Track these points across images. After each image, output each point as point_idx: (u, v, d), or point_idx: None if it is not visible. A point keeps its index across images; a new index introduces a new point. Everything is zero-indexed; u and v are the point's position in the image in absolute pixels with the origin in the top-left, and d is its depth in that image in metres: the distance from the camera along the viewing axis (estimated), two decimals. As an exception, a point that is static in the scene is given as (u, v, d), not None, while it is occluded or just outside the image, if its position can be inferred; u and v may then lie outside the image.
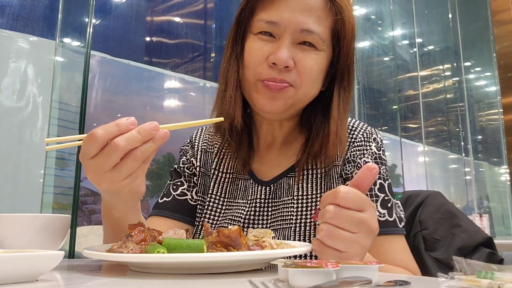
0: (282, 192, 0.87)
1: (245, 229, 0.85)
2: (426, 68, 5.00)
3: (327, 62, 0.83)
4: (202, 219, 0.91)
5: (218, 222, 0.89)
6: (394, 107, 4.30)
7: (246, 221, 0.86)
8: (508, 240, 3.59)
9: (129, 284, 0.52)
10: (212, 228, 0.85)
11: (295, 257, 0.79)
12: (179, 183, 0.95)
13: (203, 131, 1.01)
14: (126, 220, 0.72)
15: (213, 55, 3.29)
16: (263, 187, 0.88)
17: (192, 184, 0.95)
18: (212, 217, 0.90)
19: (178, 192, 0.94)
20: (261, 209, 0.86)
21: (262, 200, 0.87)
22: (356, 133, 0.89)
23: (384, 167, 0.85)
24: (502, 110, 4.70)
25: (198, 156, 0.96)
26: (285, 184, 0.87)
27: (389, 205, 0.81)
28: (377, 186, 0.82)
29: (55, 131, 2.06)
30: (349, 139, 0.88)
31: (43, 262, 0.50)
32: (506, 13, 4.52)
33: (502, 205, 5.21)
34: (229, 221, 0.87)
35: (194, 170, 0.96)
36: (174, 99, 2.76)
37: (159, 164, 2.58)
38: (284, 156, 0.91)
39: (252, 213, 0.86)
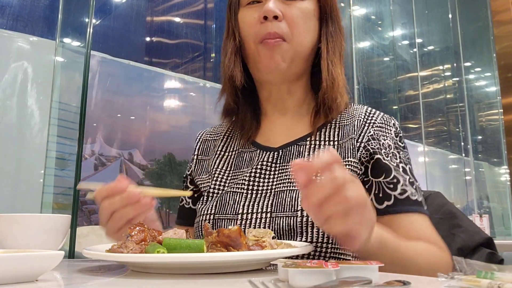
0: (291, 157, 0.87)
1: (249, 195, 0.85)
2: (426, 68, 4.99)
3: (314, 10, 0.88)
4: (204, 192, 0.91)
5: (222, 190, 0.89)
6: (394, 107, 4.29)
7: (251, 183, 0.86)
8: (508, 240, 3.60)
9: (129, 284, 0.52)
10: (213, 195, 0.88)
11: (295, 257, 0.79)
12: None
13: (208, 129, 1.06)
14: None
15: (213, 55, 3.28)
16: (271, 152, 0.89)
17: (188, 187, 0.99)
18: (214, 184, 0.91)
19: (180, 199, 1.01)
20: (266, 171, 0.87)
21: (269, 164, 0.87)
22: (376, 115, 0.91)
23: (403, 152, 0.87)
24: (502, 110, 4.69)
25: (197, 147, 1.01)
26: (295, 151, 0.88)
27: (414, 186, 0.83)
28: (401, 169, 0.83)
29: (55, 131, 2.06)
30: (368, 119, 0.89)
31: (43, 262, 0.50)
32: (506, 13, 4.52)
33: (502, 205, 5.20)
34: (233, 189, 0.88)
35: (190, 170, 0.99)
36: (174, 99, 2.76)
37: (159, 164, 2.58)
38: (297, 126, 0.92)
39: (258, 175, 0.87)
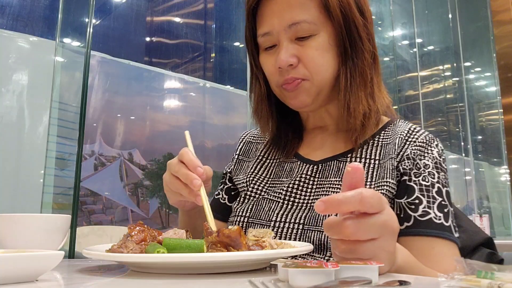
0: (330, 173, 0.87)
1: (284, 205, 0.86)
2: (426, 68, 4.99)
3: (330, 39, 0.84)
4: (242, 193, 0.93)
5: (259, 195, 0.90)
6: (394, 107, 4.29)
7: (288, 194, 0.87)
8: (508, 240, 3.59)
9: (129, 284, 0.52)
10: (250, 198, 0.90)
11: (295, 257, 0.79)
12: (220, 184, 1.04)
13: (253, 130, 1.08)
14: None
15: (213, 55, 3.29)
16: (311, 165, 0.89)
17: (224, 182, 1.03)
18: (251, 187, 0.92)
19: (216, 191, 1.04)
20: (304, 184, 0.87)
21: (308, 176, 0.87)
22: (418, 134, 0.87)
23: (443, 174, 0.83)
24: (502, 110, 4.70)
25: (240, 147, 1.04)
26: (334, 166, 0.87)
27: (445, 210, 0.78)
28: (435, 189, 0.80)
29: (55, 131, 2.06)
30: (409, 137, 0.86)
31: (43, 262, 0.50)
32: (506, 13, 4.52)
33: (502, 205, 5.21)
34: (270, 196, 0.88)
35: (230, 168, 1.02)
36: (174, 99, 2.76)
37: (159, 164, 2.58)
38: (336, 142, 0.92)
39: (296, 186, 0.87)
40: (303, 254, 0.76)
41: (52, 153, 2.03)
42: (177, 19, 3.14)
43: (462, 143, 5.09)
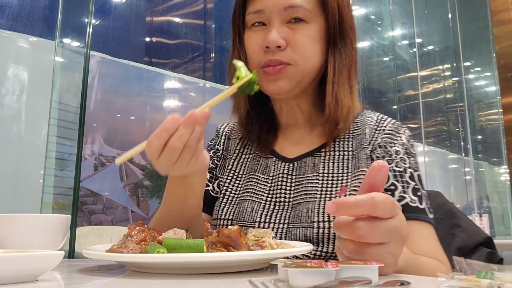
0: (306, 169, 0.88)
1: (267, 205, 0.86)
2: (426, 68, 4.99)
3: (321, 32, 0.86)
4: (222, 193, 0.93)
5: (238, 195, 0.91)
6: (394, 107, 4.29)
7: (269, 194, 0.88)
8: (508, 240, 3.60)
9: (129, 284, 0.52)
10: (232, 200, 0.90)
11: (295, 257, 0.79)
12: (209, 176, 0.99)
13: (228, 124, 1.06)
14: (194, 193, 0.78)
15: (213, 55, 3.28)
16: (287, 163, 0.90)
17: (214, 176, 0.98)
18: (231, 188, 0.92)
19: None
20: (285, 183, 0.88)
21: (285, 175, 0.88)
22: (386, 122, 0.90)
23: (413, 158, 0.87)
24: (502, 110, 4.69)
25: (222, 141, 1.02)
26: (310, 162, 0.89)
27: (419, 193, 0.82)
28: (408, 174, 0.83)
29: (55, 131, 2.06)
30: (378, 126, 0.89)
31: (43, 262, 0.50)
32: (505, 13, 4.52)
33: (502, 205, 5.20)
34: (252, 194, 0.89)
35: (215, 161, 0.99)
36: (174, 99, 2.76)
37: (159, 164, 2.58)
38: (309, 137, 0.93)
39: (278, 187, 0.88)
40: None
41: (52, 154, 2.03)
42: (177, 19, 3.14)
43: (462, 143, 5.09)
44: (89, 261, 0.78)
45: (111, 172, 2.44)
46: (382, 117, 0.92)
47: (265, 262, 0.63)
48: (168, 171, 0.68)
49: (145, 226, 0.65)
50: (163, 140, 0.64)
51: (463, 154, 5.07)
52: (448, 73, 5.37)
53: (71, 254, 1.82)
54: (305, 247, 0.62)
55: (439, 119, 5.10)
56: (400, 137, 0.88)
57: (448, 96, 5.31)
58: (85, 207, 2.30)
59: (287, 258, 0.78)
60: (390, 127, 0.89)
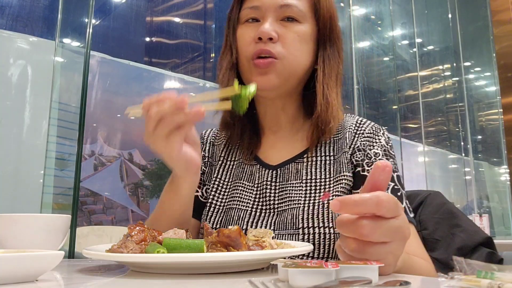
0: (290, 176, 0.89)
1: (253, 212, 0.87)
2: (426, 68, 5.00)
3: (311, 34, 0.89)
4: (208, 202, 0.93)
5: (225, 203, 0.91)
6: (394, 107, 4.30)
7: (255, 201, 0.88)
8: (508, 240, 3.60)
9: (129, 284, 0.52)
10: (219, 208, 0.90)
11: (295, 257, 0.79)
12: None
13: (212, 130, 1.06)
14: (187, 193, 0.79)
15: (213, 55, 3.29)
16: (270, 170, 0.91)
17: (202, 182, 0.98)
18: (217, 197, 0.92)
19: None
20: (269, 191, 0.89)
21: (269, 182, 0.89)
22: (365, 126, 0.91)
23: (392, 160, 0.88)
24: (502, 110, 4.69)
25: (207, 148, 1.02)
26: (293, 168, 0.90)
27: (398, 193, 0.82)
28: None
29: (55, 131, 2.06)
30: (358, 130, 0.91)
31: (43, 262, 0.50)
32: (505, 13, 4.52)
33: (502, 205, 5.21)
34: (238, 203, 0.90)
35: (203, 167, 0.99)
36: (174, 99, 2.76)
37: (159, 164, 2.58)
38: (292, 143, 0.93)
39: (263, 195, 0.88)
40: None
41: (52, 153, 2.03)
42: (177, 19, 3.14)
43: (462, 143, 5.09)
44: (89, 261, 0.78)
45: (111, 172, 2.44)
46: (361, 121, 0.93)
47: (265, 262, 0.63)
48: (148, 142, 0.72)
49: (145, 226, 0.65)
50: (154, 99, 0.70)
51: (463, 154, 5.07)
52: (448, 73, 5.38)
53: (71, 254, 1.82)
54: (305, 247, 0.62)
55: (439, 119, 5.11)
56: (379, 139, 0.89)
57: (448, 96, 5.31)
58: (85, 207, 2.30)
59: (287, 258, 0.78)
60: (369, 130, 0.90)
